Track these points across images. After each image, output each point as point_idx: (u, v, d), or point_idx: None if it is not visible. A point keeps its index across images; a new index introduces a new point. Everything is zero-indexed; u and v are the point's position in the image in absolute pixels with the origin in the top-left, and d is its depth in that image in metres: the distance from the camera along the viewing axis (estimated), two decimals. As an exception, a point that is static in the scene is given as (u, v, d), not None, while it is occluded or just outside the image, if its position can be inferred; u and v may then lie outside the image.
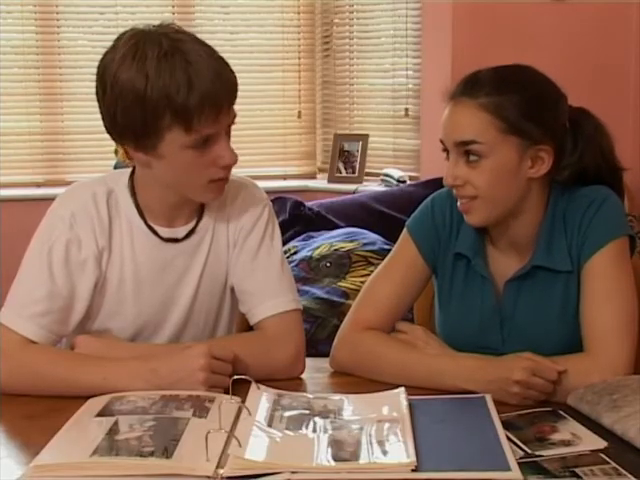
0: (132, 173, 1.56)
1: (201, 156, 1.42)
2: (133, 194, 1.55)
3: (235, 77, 1.43)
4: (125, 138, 1.44)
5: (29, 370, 1.43)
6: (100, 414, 1.30)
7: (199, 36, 1.43)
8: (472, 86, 1.47)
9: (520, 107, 1.44)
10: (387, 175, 4.07)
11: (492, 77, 1.48)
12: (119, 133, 1.44)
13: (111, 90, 1.39)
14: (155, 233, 1.55)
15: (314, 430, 1.24)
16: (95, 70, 1.44)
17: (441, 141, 1.51)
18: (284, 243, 3.21)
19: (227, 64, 1.42)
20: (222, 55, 1.43)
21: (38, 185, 4.17)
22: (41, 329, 1.47)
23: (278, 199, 3.53)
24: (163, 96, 1.35)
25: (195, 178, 1.46)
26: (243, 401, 1.33)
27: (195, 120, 1.37)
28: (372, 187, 4.08)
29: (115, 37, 1.42)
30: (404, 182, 3.95)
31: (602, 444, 1.20)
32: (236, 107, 1.46)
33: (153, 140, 1.40)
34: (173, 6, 4.23)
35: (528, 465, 1.13)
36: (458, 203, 1.52)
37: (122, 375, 1.40)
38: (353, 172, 4.25)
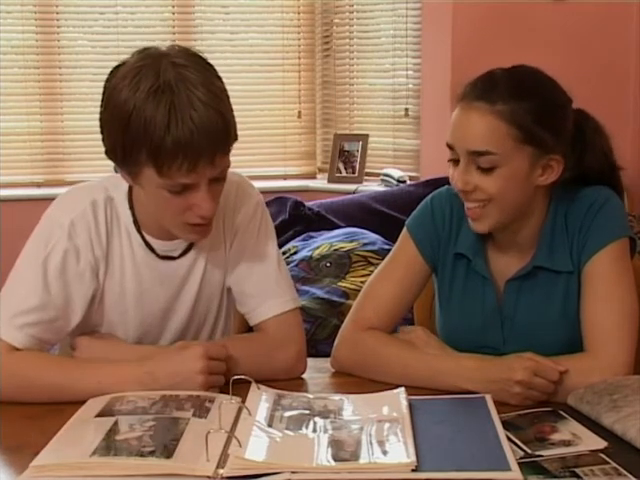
0: None
1: (176, 199, 1.37)
2: (131, 206, 1.51)
3: (228, 127, 1.35)
4: (112, 157, 1.39)
5: (18, 377, 1.40)
6: (100, 414, 1.30)
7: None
8: (489, 90, 1.42)
9: (536, 114, 1.41)
10: (387, 175, 4.07)
11: (508, 81, 1.44)
12: (106, 150, 1.40)
13: (104, 107, 1.37)
14: (152, 250, 1.52)
15: (314, 430, 1.24)
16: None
17: (448, 145, 1.47)
18: (284, 243, 3.22)
19: (222, 113, 1.33)
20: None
21: (38, 185, 4.18)
22: (31, 338, 1.44)
23: (278, 199, 3.52)
24: (142, 131, 1.30)
25: (170, 218, 1.42)
26: (243, 401, 1.33)
27: (166, 166, 1.31)
28: (372, 187, 4.08)
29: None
30: (404, 182, 3.95)
31: (602, 444, 1.20)
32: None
33: (133, 169, 1.37)
34: (173, 6, 4.22)
35: (528, 465, 1.13)
36: (466, 208, 1.50)
37: (117, 379, 1.39)
38: (353, 172, 4.25)
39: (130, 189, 1.52)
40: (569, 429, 1.26)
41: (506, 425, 1.26)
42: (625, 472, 1.11)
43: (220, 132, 1.33)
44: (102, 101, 1.38)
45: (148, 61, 1.34)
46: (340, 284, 2.97)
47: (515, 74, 1.47)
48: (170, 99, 1.30)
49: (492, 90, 1.43)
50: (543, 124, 1.42)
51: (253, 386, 1.39)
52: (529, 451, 1.18)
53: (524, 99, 1.42)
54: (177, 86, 1.31)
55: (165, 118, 1.29)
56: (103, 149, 1.41)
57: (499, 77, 1.45)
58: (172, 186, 1.35)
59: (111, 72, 1.38)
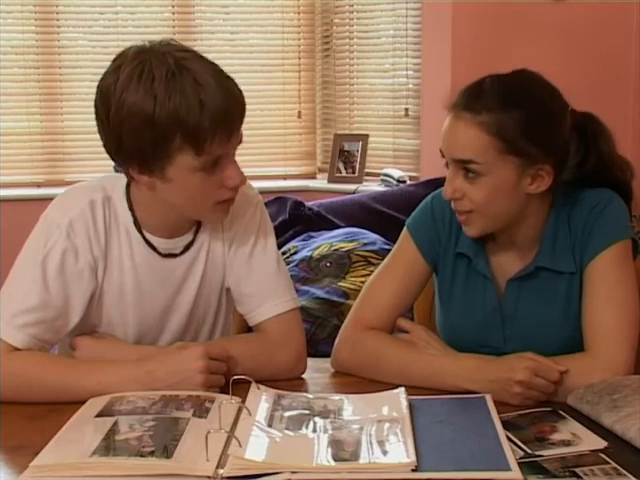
0: (129, 181, 1.51)
1: (210, 178, 1.39)
2: (131, 207, 1.51)
3: (243, 94, 1.40)
4: (130, 162, 1.39)
5: (19, 377, 1.40)
6: (100, 414, 1.30)
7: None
8: (475, 100, 1.43)
9: (522, 127, 1.41)
10: (387, 175, 4.07)
11: (496, 90, 1.44)
12: (125, 157, 1.39)
13: (116, 113, 1.35)
14: (153, 248, 1.52)
15: (314, 430, 1.24)
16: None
17: (441, 151, 1.49)
18: (284, 243, 3.22)
19: (234, 82, 1.38)
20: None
21: (38, 185, 4.17)
22: (31, 338, 1.44)
23: (278, 199, 3.52)
24: (173, 118, 1.31)
25: (202, 201, 1.43)
26: (243, 401, 1.33)
27: (207, 142, 1.33)
28: (372, 187, 4.08)
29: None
30: (404, 182, 3.95)
31: (602, 444, 1.20)
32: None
33: (162, 163, 1.36)
34: (173, 6, 4.22)
35: (528, 465, 1.13)
36: (456, 214, 1.51)
37: (117, 379, 1.39)
38: (353, 172, 4.25)
39: (127, 188, 1.51)
40: (569, 429, 1.26)
41: (506, 425, 1.26)
42: (625, 472, 1.11)
43: (240, 96, 1.40)
44: (106, 114, 1.36)
45: (145, 56, 1.34)
46: (340, 284, 2.97)
47: (506, 82, 1.46)
48: (192, 78, 1.32)
49: (478, 100, 1.43)
50: (529, 136, 1.41)
51: (253, 386, 1.39)
52: (529, 451, 1.18)
53: (510, 109, 1.41)
54: (189, 66, 1.33)
55: (196, 97, 1.32)
56: (103, 150, 1.40)
57: (487, 86, 1.45)
58: (207, 162, 1.37)
59: (103, 83, 1.37)
